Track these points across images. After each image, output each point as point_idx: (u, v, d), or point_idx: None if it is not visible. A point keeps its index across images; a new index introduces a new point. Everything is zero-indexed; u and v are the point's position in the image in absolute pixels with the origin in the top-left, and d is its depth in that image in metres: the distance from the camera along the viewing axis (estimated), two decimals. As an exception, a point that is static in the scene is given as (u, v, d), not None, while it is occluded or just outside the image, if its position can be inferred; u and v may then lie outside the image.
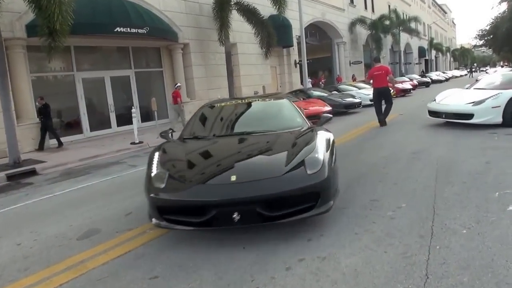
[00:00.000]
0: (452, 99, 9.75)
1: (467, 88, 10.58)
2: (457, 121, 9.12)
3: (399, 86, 19.90)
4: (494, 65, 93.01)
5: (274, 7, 16.90)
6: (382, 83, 10.34)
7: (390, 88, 10.73)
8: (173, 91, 15.50)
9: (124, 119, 15.70)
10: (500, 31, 33.02)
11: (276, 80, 25.18)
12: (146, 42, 16.40)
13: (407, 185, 5.00)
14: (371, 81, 10.78)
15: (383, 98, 10.61)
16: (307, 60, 25.97)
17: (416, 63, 56.01)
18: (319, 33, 32.27)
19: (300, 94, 15.91)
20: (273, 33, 17.76)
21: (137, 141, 12.06)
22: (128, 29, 13.76)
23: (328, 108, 12.50)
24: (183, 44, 17.54)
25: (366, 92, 17.68)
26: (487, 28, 37.98)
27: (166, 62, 17.87)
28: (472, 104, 8.84)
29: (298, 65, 25.88)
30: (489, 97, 8.70)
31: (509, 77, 10.17)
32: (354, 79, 30.66)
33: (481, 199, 4.18)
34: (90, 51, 15.37)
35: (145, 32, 14.27)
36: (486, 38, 39.11)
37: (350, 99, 15.25)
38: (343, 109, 14.34)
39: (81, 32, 12.10)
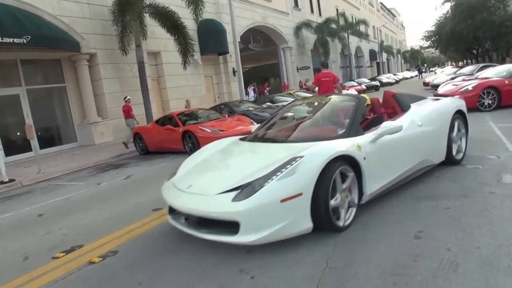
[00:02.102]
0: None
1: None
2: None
3: (344, 92, 17.98)
4: (443, 65, 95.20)
5: (189, 7, 14.62)
6: (327, 91, 8.94)
7: None
8: (123, 105, 13.68)
9: (14, 147, 12.97)
10: (444, 30, 32.39)
11: (213, 90, 22.91)
12: (41, 53, 13.72)
13: None
14: (317, 88, 9.54)
15: None
16: (245, 68, 24.24)
17: (368, 66, 55.67)
18: (264, 38, 30.40)
19: (225, 109, 13.65)
20: (190, 39, 15.38)
21: (6, 179, 9.33)
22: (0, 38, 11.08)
23: (254, 126, 10.07)
24: (88, 55, 14.93)
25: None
26: (433, 29, 37.45)
27: (69, 76, 15.15)
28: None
29: (236, 73, 23.67)
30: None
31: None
32: (301, 86, 28.83)
33: None
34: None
35: (25, 41, 11.59)
36: (432, 38, 38.58)
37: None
38: None
39: None
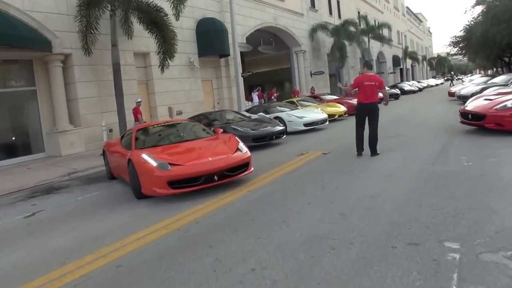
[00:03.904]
0: None
1: None
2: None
3: (353, 102, 15.65)
4: (470, 73, 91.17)
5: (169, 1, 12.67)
6: (372, 97, 7.59)
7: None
8: (133, 107, 13.25)
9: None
10: (475, 36, 29.48)
11: (212, 95, 20.89)
12: (9, 53, 12.00)
13: None
14: (354, 91, 8.20)
15: (369, 117, 7.65)
16: (249, 72, 22.22)
17: (390, 73, 52.78)
18: (276, 41, 28.30)
19: (203, 120, 11.55)
20: (171, 38, 13.34)
21: None
22: None
23: (238, 155, 6.75)
24: (63, 55, 13.09)
25: (301, 114, 13.39)
26: (461, 34, 34.47)
27: (41, 79, 13.28)
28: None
29: (241, 77, 21.64)
30: None
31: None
32: (312, 92, 26.63)
33: None
34: None
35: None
36: (460, 44, 35.59)
37: (266, 128, 10.82)
38: (251, 143, 10.00)
39: None
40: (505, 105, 7.89)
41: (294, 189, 5.57)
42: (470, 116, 8.63)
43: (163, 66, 13.74)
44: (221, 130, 8.22)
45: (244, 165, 6.34)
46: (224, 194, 5.66)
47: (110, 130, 13.78)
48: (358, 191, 5.08)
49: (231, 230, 4.18)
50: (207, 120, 11.56)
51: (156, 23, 12.95)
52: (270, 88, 28.52)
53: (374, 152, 7.56)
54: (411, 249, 3.15)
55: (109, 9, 12.62)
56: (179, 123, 8.81)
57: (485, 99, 8.88)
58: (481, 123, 8.25)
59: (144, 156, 6.13)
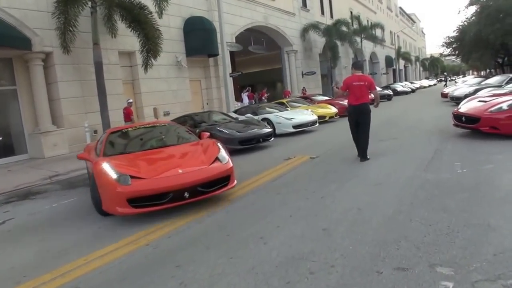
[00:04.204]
0: None
1: None
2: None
3: (344, 103, 15.28)
4: (463, 74, 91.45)
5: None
6: (362, 99, 7.18)
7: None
8: (124, 107, 13.32)
9: None
10: (468, 36, 29.21)
11: (201, 96, 20.45)
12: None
13: None
14: (345, 93, 7.51)
15: (359, 120, 7.26)
16: (238, 72, 21.82)
17: (383, 73, 52.61)
18: (267, 40, 27.90)
19: (189, 122, 11.14)
20: (155, 37, 12.89)
21: None
22: None
23: (215, 166, 5.75)
24: (43, 54, 12.60)
25: (290, 116, 13.01)
26: (455, 34, 34.22)
27: (21, 78, 12.79)
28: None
29: (231, 78, 21.25)
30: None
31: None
32: (304, 93, 26.28)
33: None
34: None
35: None
36: (453, 45, 35.34)
37: (253, 130, 10.34)
38: (237, 146, 9.70)
39: None
40: (501, 107, 7.55)
41: (277, 198, 5.18)
42: (464, 118, 8.29)
43: (146, 65, 13.31)
44: (208, 134, 7.23)
45: (224, 179, 5.35)
46: (201, 204, 5.24)
47: (95, 131, 13.36)
48: (344, 201, 4.69)
49: (203, 247, 3.78)
50: (192, 122, 11.13)
51: (139, 21, 12.50)
52: (262, 88, 28.15)
53: (364, 157, 7.17)
54: (398, 275, 2.76)
55: (90, 6, 12.17)
56: (160, 126, 7.72)
57: (480, 101, 8.53)
58: (475, 126, 7.91)
59: (105, 166, 5.17)
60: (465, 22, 32.02)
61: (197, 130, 10.30)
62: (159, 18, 13.09)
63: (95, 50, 12.25)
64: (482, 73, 58.32)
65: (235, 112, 14.62)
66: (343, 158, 7.57)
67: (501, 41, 25.82)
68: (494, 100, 8.06)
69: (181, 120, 11.57)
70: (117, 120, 13.96)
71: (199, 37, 18.29)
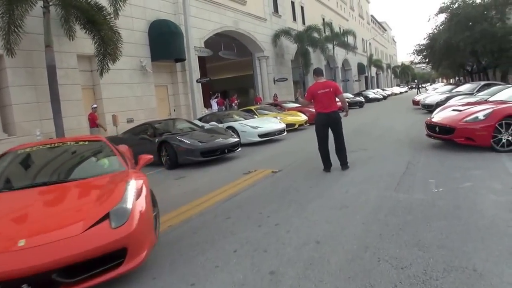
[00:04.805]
0: None
1: None
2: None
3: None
4: (433, 82, 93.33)
5: None
6: (330, 106, 6.67)
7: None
8: (88, 113, 13.05)
9: None
10: (438, 43, 29.29)
11: (168, 102, 19.51)
12: None
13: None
14: (312, 102, 6.92)
15: (332, 128, 6.76)
16: (206, 78, 21.04)
17: (356, 80, 52.80)
18: (238, 46, 27.19)
19: (149, 130, 10.21)
20: (114, 40, 11.99)
21: None
22: None
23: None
24: (-9, 57, 11.52)
25: (256, 124, 12.26)
26: (425, 42, 34.40)
27: (-33, 82, 11.69)
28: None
29: (199, 84, 20.45)
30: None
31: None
32: (275, 99, 25.65)
33: None
34: None
35: None
36: (424, 53, 35.51)
37: (217, 140, 9.42)
38: (199, 158, 8.82)
39: None
40: (476, 117, 7.00)
41: (224, 225, 4.37)
42: (437, 129, 7.72)
43: (102, 69, 12.34)
44: (148, 158, 5.18)
45: (114, 254, 3.03)
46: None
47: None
48: (302, 231, 3.93)
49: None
50: (152, 131, 10.20)
51: (94, 22, 11.54)
52: (237, 94, 27.46)
53: (345, 164, 6.80)
54: None
55: (42, 5, 11.18)
56: (76, 145, 5.32)
57: (454, 110, 7.98)
58: (449, 137, 7.34)
59: None
60: (435, 30, 32.18)
61: (156, 140, 9.50)
62: (115, 19, 12.16)
63: (47, 53, 11.25)
64: (451, 80, 59.35)
65: (200, 119, 13.77)
66: (308, 172, 6.85)
67: (471, 48, 25.90)
68: (469, 109, 7.52)
69: (141, 129, 10.70)
70: (75, 127, 13.12)
71: (165, 41, 17.42)
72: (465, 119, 7.14)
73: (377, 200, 4.69)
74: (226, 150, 9.36)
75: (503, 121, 6.75)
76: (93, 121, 12.92)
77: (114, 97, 15.52)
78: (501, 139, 6.80)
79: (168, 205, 5.50)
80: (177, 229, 4.46)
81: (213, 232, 4.19)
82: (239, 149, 9.92)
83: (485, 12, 26.58)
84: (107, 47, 12.13)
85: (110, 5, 11.78)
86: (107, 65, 12.39)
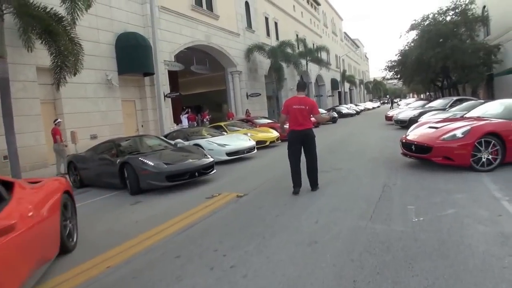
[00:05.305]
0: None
1: None
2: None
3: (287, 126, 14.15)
4: (404, 97, 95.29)
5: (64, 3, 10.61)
6: (304, 124, 6.29)
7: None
8: (52, 128, 12.23)
9: None
10: (410, 59, 29.55)
11: (136, 118, 18.66)
12: None
13: None
14: (286, 117, 6.57)
15: (305, 147, 6.40)
16: (176, 93, 20.39)
17: (329, 96, 53.06)
18: (211, 60, 26.65)
19: (114, 150, 9.15)
20: (76, 52, 11.22)
21: None
22: None
23: None
24: None
25: (224, 141, 11.60)
26: (397, 58, 34.74)
27: None
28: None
29: (169, 99, 19.76)
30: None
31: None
32: (248, 115, 25.11)
33: None
34: None
35: None
36: (395, 69, 35.84)
37: (186, 162, 8.17)
38: (164, 183, 7.64)
39: None
40: (454, 135, 6.56)
41: (170, 268, 3.65)
42: (413, 147, 7.26)
43: (59, 83, 11.49)
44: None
45: None
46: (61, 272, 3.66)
47: (5, 157, 11.30)
48: (261, 275, 3.27)
49: None
50: (115, 150, 9.10)
51: (50, 32, 10.73)
52: (204, 110, 26.80)
53: (314, 185, 6.39)
54: None
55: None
56: None
57: (430, 127, 7.54)
58: (426, 156, 6.87)
59: None
60: (407, 47, 32.54)
61: (118, 161, 8.34)
62: (72, 28, 11.38)
63: (0, 65, 10.35)
64: (422, 95, 60.41)
65: (166, 136, 12.98)
66: (276, 195, 6.23)
67: (442, 64, 26.14)
68: (446, 126, 7.09)
69: (104, 147, 9.70)
70: (33, 144, 12.41)
71: (132, 54, 16.68)
72: (442, 137, 6.69)
73: (351, 233, 4.08)
74: (197, 174, 8.07)
75: (482, 139, 6.34)
76: (55, 137, 12.13)
77: (77, 112, 14.62)
78: (481, 158, 6.38)
79: (114, 238, 4.78)
80: (116, 271, 3.73)
81: (156, 277, 3.47)
82: (214, 171, 8.69)
83: (455, 29, 26.98)
84: (65, 59, 11.32)
85: (68, 14, 11.00)
86: (65, 78, 11.55)
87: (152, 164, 7.72)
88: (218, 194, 6.81)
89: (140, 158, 7.98)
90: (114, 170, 8.31)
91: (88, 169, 9.56)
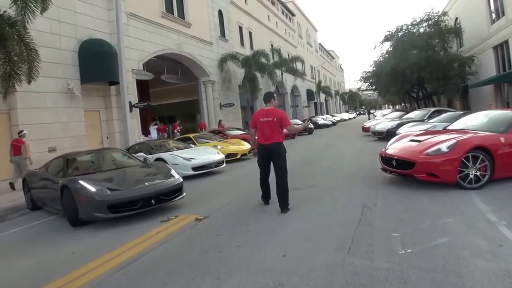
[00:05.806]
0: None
1: None
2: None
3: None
4: (380, 108, 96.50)
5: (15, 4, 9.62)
6: (272, 137, 5.77)
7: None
8: (14, 139, 11.66)
9: None
10: (385, 71, 29.46)
11: (100, 129, 17.57)
12: None
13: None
14: (255, 131, 6.18)
15: (274, 162, 5.89)
16: (144, 103, 19.44)
17: (305, 106, 52.85)
18: (183, 70, 25.79)
19: (61, 166, 7.60)
20: (27, 58, 10.23)
21: None
22: None
23: None
24: None
25: (190, 155, 10.75)
26: (371, 69, 34.73)
27: None
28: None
29: (136, 109, 18.76)
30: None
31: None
32: (222, 126, 24.32)
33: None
34: None
35: None
36: (370, 80, 35.81)
37: (140, 187, 6.38)
38: (106, 215, 5.88)
39: None
40: (439, 149, 5.92)
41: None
42: (394, 162, 6.59)
43: (6, 91, 10.42)
44: None
45: None
46: None
47: None
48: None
49: None
50: (63, 167, 7.38)
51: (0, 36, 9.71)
52: (182, 120, 25.98)
53: (284, 207, 5.68)
54: None
55: None
56: None
57: (412, 140, 6.91)
58: (409, 172, 6.21)
59: None
60: (381, 58, 32.52)
61: (60, 183, 6.63)
62: (23, 30, 10.37)
63: None
64: (397, 106, 60.99)
65: (128, 150, 11.99)
66: (240, 219, 5.43)
67: (417, 75, 26.05)
68: (430, 140, 6.45)
69: (54, 165, 7.99)
70: None
71: (96, 61, 15.66)
72: (426, 152, 6.04)
73: (325, 272, 3.31)
74: (153, 201, 6.25)
75: (470, 154, 5.73)
76: (18, 149, 11.24)
77: (34, 123, 13.46)
78: (469, 174, 5.76)
79: (39, 276, 3.89)
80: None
81: None
82: (182, 196, 6.96)
83: (429, 40, 27.01)
84: (15, 65, 10.29)
85: (17, 15, 10.01)
86: (14, 87, 10.49)
87: (93, 190, 6.04)
88: (175, 216, 5.93)
89: (80, 181, 6.30)
90: (56, 194, 6.76)
91: (37, 189, 8.09)
